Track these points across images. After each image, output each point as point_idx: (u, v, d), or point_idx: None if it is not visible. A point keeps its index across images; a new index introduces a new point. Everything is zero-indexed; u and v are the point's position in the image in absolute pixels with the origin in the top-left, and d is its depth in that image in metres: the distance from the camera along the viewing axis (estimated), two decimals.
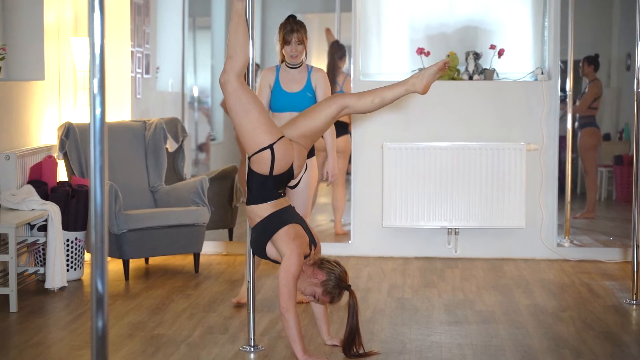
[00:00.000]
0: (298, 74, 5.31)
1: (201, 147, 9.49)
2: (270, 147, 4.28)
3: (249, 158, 4.36)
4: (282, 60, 5.34)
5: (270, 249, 4.36)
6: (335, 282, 4.30)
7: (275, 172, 4.31)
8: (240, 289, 5.61)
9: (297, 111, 5.17)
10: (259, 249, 4.40)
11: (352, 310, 4.28)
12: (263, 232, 4.34)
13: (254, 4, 4.41)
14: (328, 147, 5.41)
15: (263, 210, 4.35)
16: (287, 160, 4.33)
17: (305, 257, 4.31)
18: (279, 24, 5.39)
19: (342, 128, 7.49)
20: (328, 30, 8.09)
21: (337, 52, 7.66)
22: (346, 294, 4.35)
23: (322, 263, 4.32)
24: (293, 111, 5.20)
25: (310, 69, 5.34)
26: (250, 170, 4.37)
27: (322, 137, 5.30)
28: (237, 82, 4.28)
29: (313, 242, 4.39)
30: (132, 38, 7.05)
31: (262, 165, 4.31)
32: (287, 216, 4.35)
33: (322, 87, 5.30)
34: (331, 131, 5.39)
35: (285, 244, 4.27)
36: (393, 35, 7.01)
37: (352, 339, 4.31)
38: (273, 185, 4.34)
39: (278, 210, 4.35)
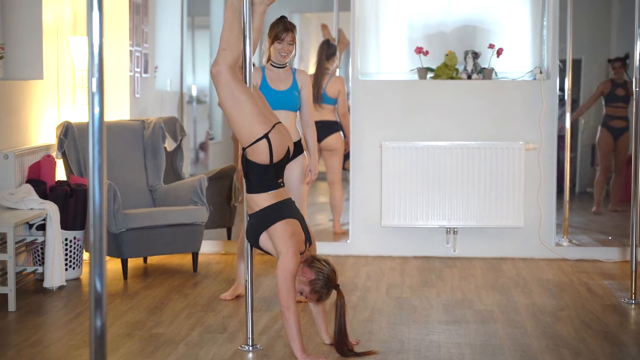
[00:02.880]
0: (284, 73, 5.42)
1: (200, 147, 9.48)
2: (266, 136, 4.29)
3: (245, 149, 4.36)
4: (268, 60, 5.38)
5: (264, 240, 4.35)
6: (324, 281, 4.31)
7: (275, 159, 4.33)
8: (232, 286, 5.63)
9: (286, 109, 5.31)
10: (253, 236, 4.39)
11: (340, 310, 4.29)
12: (260, 221, 4.34)
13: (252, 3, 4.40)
14: (310, 146, 5.42)
15: (263, 200, 4.34)
16: (283, 145, 4.35)
17: (300, 253, 4.32)
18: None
19: (332, 127, 7.42)
20: (324, 26, 7.97)
21: (327, 51, 7.47)
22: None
23: (313, 262, 4.33)
24: (283, 109, 5.28)
25: (294, 70, 5.46)
26: (247, 161, 4.35)
27: (305, 136, 5.43)
28: (229, 74, 4.27)
29: (308, 240, 4.40)
30: (130, 37, 7.04)
31: (260, 155, 4.31)
32: (287, 211, 4.35)
33: (306, 88, 5.42)
34: (312, 130, 5.42)
35: (282, 241, 4.26)
36: (392, 35, 7.01)
37: (341, 338, 4.32)
38: (273, 173, 4.35)
39: (278, 202, 4.35)
